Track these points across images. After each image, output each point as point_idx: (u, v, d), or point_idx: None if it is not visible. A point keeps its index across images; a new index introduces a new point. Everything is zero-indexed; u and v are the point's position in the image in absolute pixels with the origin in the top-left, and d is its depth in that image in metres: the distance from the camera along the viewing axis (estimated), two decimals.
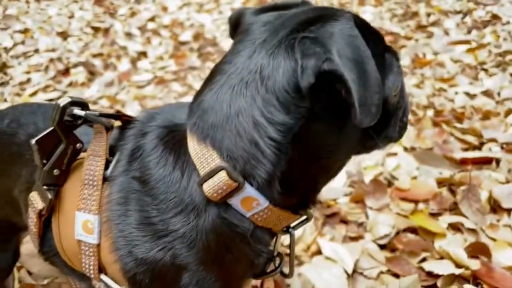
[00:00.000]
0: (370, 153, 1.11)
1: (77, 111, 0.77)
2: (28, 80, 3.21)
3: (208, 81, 0.71)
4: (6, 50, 3.87)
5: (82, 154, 0.82)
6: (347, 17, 0.64)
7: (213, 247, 0.70)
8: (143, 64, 3.59)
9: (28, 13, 5.14)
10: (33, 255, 1.51)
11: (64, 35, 4.29)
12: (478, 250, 1.39)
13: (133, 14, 5.16)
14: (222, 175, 0.64)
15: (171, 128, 0.76)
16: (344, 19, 0.63)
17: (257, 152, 0.63)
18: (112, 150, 0.80)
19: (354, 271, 1.40)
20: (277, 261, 0.83)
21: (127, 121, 0.83)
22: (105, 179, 0.77)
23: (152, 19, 4.96)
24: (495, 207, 1.64)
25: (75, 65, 3.46)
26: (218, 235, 0.69)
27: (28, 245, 1.50)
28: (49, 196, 0.79)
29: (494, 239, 1.48)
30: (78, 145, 0.81)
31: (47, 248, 0.87)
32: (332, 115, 0.64)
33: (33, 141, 0.76)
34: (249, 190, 0.65)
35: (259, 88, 0.62)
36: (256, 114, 0.62)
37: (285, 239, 1.36)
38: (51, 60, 3.61)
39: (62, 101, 0.76)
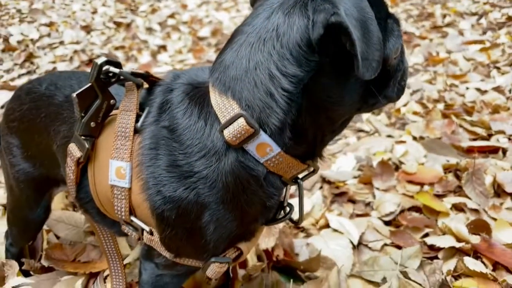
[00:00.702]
0: (378, 139, 1.16)
1: (112, 68, 0.87)
2: (54, 69, 3.36)
3: (229, 42, 0.80)
4: (33, 41, 4.05)
5: (114, 111, 0.93)
6: None
7: (231, 188, 0.79)
8: (163, 57, 3.72)
9: (53, 8, 5.35)
10: (60, 220, 1.63)
11: (87, 29, 4.46)
12: (479, 227, 1.46)
13: (153, 10, 5.32)
14: (241, 121, 0.73)
15: (195, 85, 0.86)
16: None
17: (271, 102, 0.73)
18: (141, 106, 0.90)
19: (360, 243, 1.47)
20: (287, 209, 0.92)
21: (154, 82, 0.93)
22: (136, 131, 0.87)
23: (172, 15, 5.11)
24: (498, 191, 1.70)
25: (98, 56, 3.61)
26: (235, 177, 0.78)
27: (56, 212, 1.62)
28: (86, 145, 0.89)
29: (495, 219, 1.54)
30: (112, 101, 0.91)
31: (83, 195, 0.98)
32: (338, 69, 0.72)
33: (74, 95, 0.86)
34: (264, 137, 0.75)
35: (275, 44, 0.72)
36: (272, 67, 0.72)
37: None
38: (75, 51, 3.77)
39: (99, 60, 0.86)
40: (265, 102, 0.73)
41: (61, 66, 3.41)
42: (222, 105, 0.76)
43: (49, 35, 4.24)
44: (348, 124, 0.88)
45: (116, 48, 3.86)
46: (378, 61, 0.68)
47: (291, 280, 1.29)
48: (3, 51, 3.74)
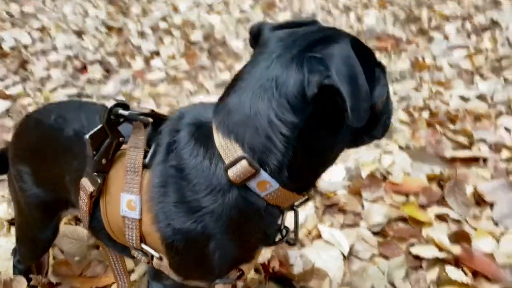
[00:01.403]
0: (367, 149, 1.27)
1: (122, 111, 0.95)
2: (48, 77, 3.40)
3: (231, 87, 0.88)
4: (26, 47, 4.06)
5: (123, 146, 1.01)
6: (346, 40, 0.82)
7: (235, 220, 0.87)
8: (156, 62, 3.77)
9: (44, 11, 5.34)
10: (63, 234, 1.70)
11: (79, 33, 4.48)
12: (460, 237, 1.57)
13: (145, 13, 5.35)
14: (244, 163, 0.81)
15: (198, 125, 0.94)
16: (343, 42, 0.81)
17: (270, 145, 0.81)
18: (148, 143, 0.98)
19: (350, 253, 1.58)
20: (284, 232, 1.02)
21: (159, 118, 1.01)
22: (144, 166, 0.95)
23: (163, 18, 5.14)
24: (479, 200, 1.82)
25: (92, 63, 3.65)
26: (239, 210, 0.87)
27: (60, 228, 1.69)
28: (99, 181, 0.97)
29: (475, 229, 1.65)
30: (121, 139, 0.99)
31: (95, 224, 1.05)
32: (331, 118, 0.81)
33: (87, 137, 0.94)
34: (264, 175, 0.83)
35: (274, 92, 0.80)
36: (271, 114, 0.80)
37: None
38: (69, 57, 3.80)
39: (110, 104, 0.95)
40: (265, 145, 0.82)
41: (55, 73, 3.44)
42: (226, 147, 0.84)
43: (41, 39, 4.25)
44: (337, 158, 0.97)
45: (109, 54, 3.90)
46: (366, 111, 0.77)
47: None
48: None
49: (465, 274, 1.44)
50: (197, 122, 0.95)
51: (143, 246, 0.96)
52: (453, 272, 1.42)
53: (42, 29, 4.57)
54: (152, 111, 1.01)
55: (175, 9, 5.67)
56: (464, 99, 2.82)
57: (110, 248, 1.15)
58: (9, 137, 2.48)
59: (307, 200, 0.97)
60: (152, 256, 0.96)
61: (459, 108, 2.69)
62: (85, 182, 0.99)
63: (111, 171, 0.99)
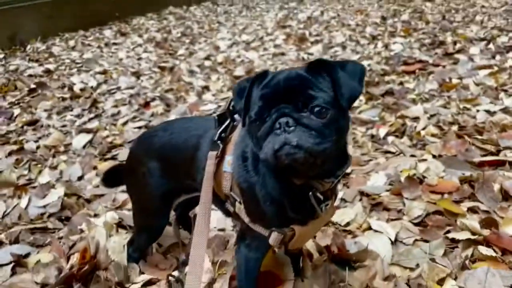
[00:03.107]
0: (403, 159, 1.66)
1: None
2: (118, 112, 3.94)
3: None
4: (93, 88, 4.67)
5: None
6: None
7: (265, 174, 1.28)
8: (207, 96, 4.27)
9: (103, 57, 6.04)
10: None
11: (137, 74, 5.09)
12: (489, 223, 1.87)
13: (190, 54, 5.95)
14: None
15: None
16: None
17: None
18: None
19: (396, 239, 1.90)
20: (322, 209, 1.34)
21: None
22: None
23: (207, 57, 5.71)
24: (506, 196, 2.11)
25: (153, 99, 4.19)
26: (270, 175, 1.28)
27: None
28: (221, 145, 1.39)
29: (502, 217, 1.95)
30: (235, 123, 1.44)
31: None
32: None
33: (215, 115, 1.44)
34: None
35: None
36: None
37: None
38: (131, 95, 4.36)
39: (229, 99, 1.41)
40: None
41: (123, 109, 3.98)
42: None
43: (105, 82, 4.87)
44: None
45: (166, 91, 4.43)
46: None
47: (347, 268, 1.72)
48: (71, 99, 4.36)
49: (495, 251, 1.73)
50: None
51: (231, 193, 1.37)
52: (484, 250, 1.72)
53: (104, 72, 5.22)
54: None
55: (216, 48, 6.26)
56: (489, 112, 3.12)
57: (215, 205, 1.52)
58: (94, 162, 2.99)
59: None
60: (235, 202, 1.36)
61: (485, 120, 2.99)
62: (211, 153, 1.40)
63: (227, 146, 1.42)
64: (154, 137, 1.66)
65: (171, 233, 2.02)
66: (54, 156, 3.17)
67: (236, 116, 1.44)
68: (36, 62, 5.94)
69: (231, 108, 1.42)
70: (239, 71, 4.93)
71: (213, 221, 1.99)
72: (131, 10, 9.43)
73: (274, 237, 1.32)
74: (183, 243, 1.95)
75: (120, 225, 2.15)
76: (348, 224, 2.04)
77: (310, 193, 1.26)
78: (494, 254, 1.70)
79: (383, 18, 7.29)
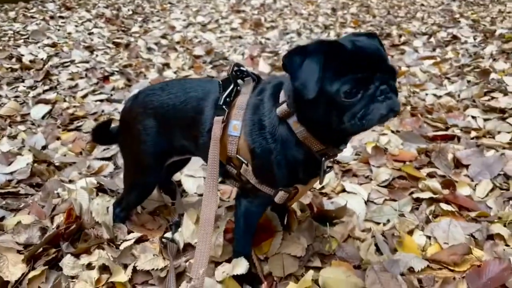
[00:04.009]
0: (366, 133, 1.86)
1: (242, 68, 1.48)
2: (76, 85, 3.79)
3: None
4: (44, 60, 4.43)
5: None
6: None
7: (283, 144, 1.36)
8: (168, 73, 4.23)
9: (50, 30, 5.71)
10: None
11: (90, 49, 4.89)
12: (447, 185, 2.12)
13: (145, 31, 5.81)
14: (284, 105, 1.33)
15: (276, 87, 1.43)
16: None
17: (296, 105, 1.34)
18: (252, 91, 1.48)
19: (368, 200, 2.09)
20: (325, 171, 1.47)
21: (259, 78, 1.53)
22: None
23: (163, 36, 5.62)
24: (458, 164, 2.39)
25: (111, 74, 4.07)
26: (283, 138, 1.36)
27: None
28: (226, 110, 1.44)
29: (457, 181, 2.21)
30: (238, 87, 1.49)
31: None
32: None
33: (220, 81, 1.49)
34: (295, 118, 1.33)
35: None
36: None
37: None
38: (87, 69, 4.21)
39: (233, 63, 1.46)
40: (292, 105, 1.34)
41: (81, 83, 3.84)
42: (281, 98, 1.39)
43: (57, 54, 4.63)
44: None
45: (124, 66, 4.33)
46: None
47: (327, 224, 1.87)
48: (21, 69, 4.11)
49: (453, 208, 1.98)
50: (275, 84, 1.45)
51: (238, 156, 1.43)
52: (445, 206, 1.95)
53: (54, 45, 4.95)
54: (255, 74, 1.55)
55: (172, 28, 6.17)
56: (436, 96, 3.45)
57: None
58: (57, 133, 2.89)
59: (334, 155, 1.45)
60: (241, 166, 1.43)
61: (433, 102, 3.30)
62: (217, 117, 1.44)
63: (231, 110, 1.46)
64: (152, 95, 1.67)
65: (154, 197, 2.05)
66: (10, 126, 3.00)
67: (239, 81, 1.50)
68: None
69: (234, 73, 1.48)
70: (199, 51, 4.93)
71: None
72: None
73: (280, 196, 1.43)
74: (173, 204, 1.99)
75: (100, 189, 2.13)
76: (323, 187, 2.19)
77: (323, 158, 1.40)
78: (453, 210, 1.94)
79: (333, 10, 7.60)
